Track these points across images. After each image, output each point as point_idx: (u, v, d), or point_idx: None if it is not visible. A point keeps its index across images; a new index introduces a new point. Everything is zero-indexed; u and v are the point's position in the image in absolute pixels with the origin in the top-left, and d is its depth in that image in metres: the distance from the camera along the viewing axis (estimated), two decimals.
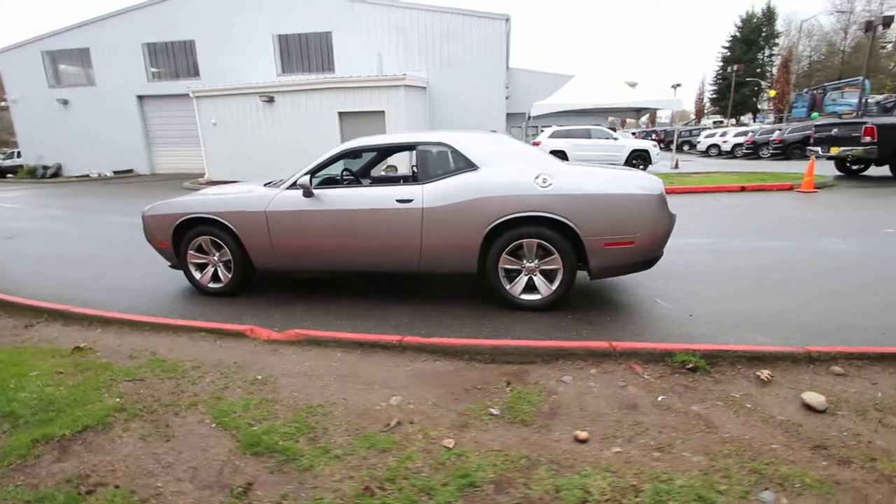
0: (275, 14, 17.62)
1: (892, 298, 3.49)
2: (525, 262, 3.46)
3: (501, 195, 3.31)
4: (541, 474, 1.70)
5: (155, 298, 4.09)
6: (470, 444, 1.90)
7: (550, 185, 3.28)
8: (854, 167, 11.10)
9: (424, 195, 3.45)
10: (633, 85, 18.55)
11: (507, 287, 3.49)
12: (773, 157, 20.57)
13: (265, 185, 4.08)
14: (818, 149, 11.11)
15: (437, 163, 3.68)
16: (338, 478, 1.70)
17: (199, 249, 4.02)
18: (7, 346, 3.04)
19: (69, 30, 19.69)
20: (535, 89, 22.47)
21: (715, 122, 42.20)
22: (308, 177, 3.57)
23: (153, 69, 19.47)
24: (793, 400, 2.20)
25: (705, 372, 2.44)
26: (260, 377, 2.50)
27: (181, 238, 4.00)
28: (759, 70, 48.38)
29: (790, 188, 9.20)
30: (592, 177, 3.37)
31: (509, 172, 3.39)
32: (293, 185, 3.75)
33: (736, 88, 42.56)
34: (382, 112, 14.06)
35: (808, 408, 2.13)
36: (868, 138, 9.63)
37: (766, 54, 50.18)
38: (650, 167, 14.85)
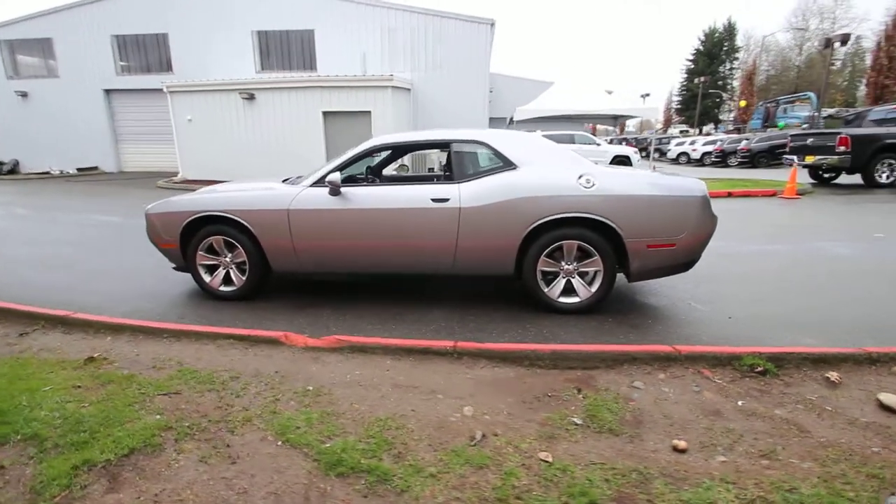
0: (254, 9, 17.06)
1: None
2: (563, 264, 3.37)
3: (544, 195, 3.21)
4: (659, 489, 1.59)
5: (159, 303, 3.77)
6: (567, 458, 1.77)
7: (594, 185, 3.21)
8: (826, 175, 11.64)
9: (461, 195, 3.31)
10: (609, 93, 19.03)
11: (546, 290, 3.39)
12: (741, 165, 21.42)
13: (283, 181, 3.84)
14: (794, 157, 11.60)
15: (473, 161, 3.54)
16: (441, 500, 1.54)
17: (210, 250, 3.74)
18: (4, 357, 2.71)
19: (30, 18, 18.45)
20: (515, 95, 22.72)
21: (681, 132, 43.82)
22: (338, 174, 3.37)
23: (122, 62, 18.44)
24: (867, 401, 2.18)
25: (774, 375, 2.40)
26: (311, 388, 2.29)
27: (190, 238, 3.71)
28: (720, 82, 50.69)
29: (774, 194, 9.53)
30: (635, 178, 3.32)
31: (551, 173, 3.30)
32: (318, 183, 3.54)
33: (701, 99, 44.45)
34: (368, 112, 13.79)
35: (887, 409, 2.11)
36: (842, 148, 10.12)
37: (728, 67, 52.71)
38: None
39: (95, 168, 18.99)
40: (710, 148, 24.46)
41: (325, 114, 13.99)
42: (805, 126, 25.83)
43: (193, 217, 3.63)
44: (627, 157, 16.45)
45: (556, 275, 3.40)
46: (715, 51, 52.04)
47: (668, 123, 55.46)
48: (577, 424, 2.01)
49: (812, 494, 1.55)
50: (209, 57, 17.29)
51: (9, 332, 3.08)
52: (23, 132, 19.04)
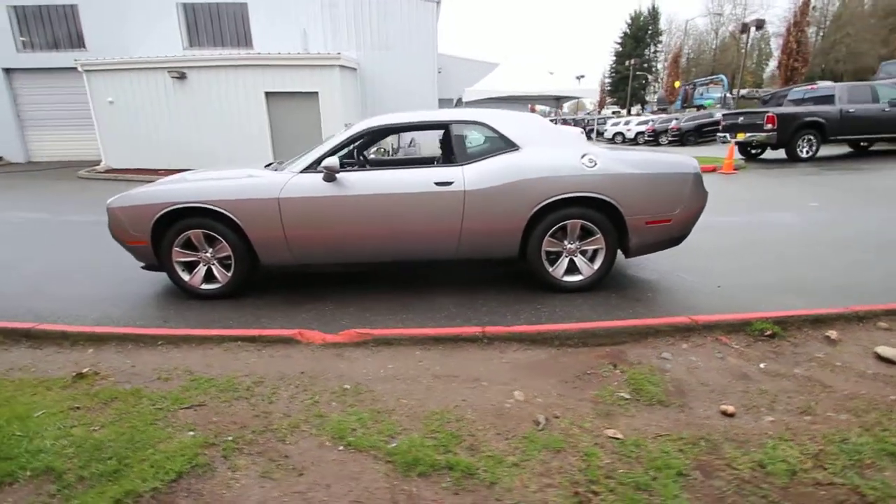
0: None
1: (860, 258, 4.00)
2: (566, 243, 3.41)
3: (550, 176, 3.21)
4: (731, 453, 1.67)
5: (131, 306, 3.40)
6: (632, 433, 1.81)
7: (596, 165, 3.25)
8: (753, 151, 12.67)
9: (465, 177, 3.24)
10: (551, 74, 19.48)
11: (550, 270, 3.42)
12: (671, 143, 22.83)
13: (265, 167, 3.56)
14: (726, 135, 12.52)
15: (473, 143, 3.46)
16: (534, 488, 1.51)
17: (188, 245, 3.40)
18: None
19: None
20: (462, 76, 22.56)
21: (613, 112, 45.90)
22: (335, 158, 3.16)
23: (23, 38, 16.15)
24: (866, 355, 2.41)
25: (782, 337, 2.58)
26: (348, 387, 2.16)
27: (163, 233, 3.35)
28: (645, 65, 53.47)
29: (714, 170, 10.24)
30: (634, 157, 3.40)
31: (555, 153, 3.30)
32: (309, 168, 3.32)
33: (627, 82, 46.73)
34: (316, 93, 13.14)
35: (886, 360, 2.34)
36: (769, 125, 11.05)
37: (652, 50, 55.65)
38: None
39: (0, 158, 16.68)
40: (643, 128, 25.82)
41: (269, 95, 13.17)
42: (718, 106, 28.05)
43: (167, 209, 3.28)
44: None
45: (558, 254, 3.44)
46: (640, 34, 54.68)
47: (601, 104, 57.91)
48: (626, 399, 2.06)
49: (862, 443, 1.69)
50: (127, 31, 15.58)
51: None
52: None
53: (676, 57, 36.12)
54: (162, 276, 3.82)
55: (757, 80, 48.15)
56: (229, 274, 3.44)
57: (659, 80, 53.75)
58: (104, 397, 2.10)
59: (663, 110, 37.84)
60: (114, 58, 13.11)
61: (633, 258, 4.04)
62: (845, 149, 12.79)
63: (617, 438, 1.76)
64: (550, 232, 3.33)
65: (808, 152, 11.17)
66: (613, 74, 56.61)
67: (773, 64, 50.71)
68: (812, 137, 11.07)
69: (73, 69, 13.04)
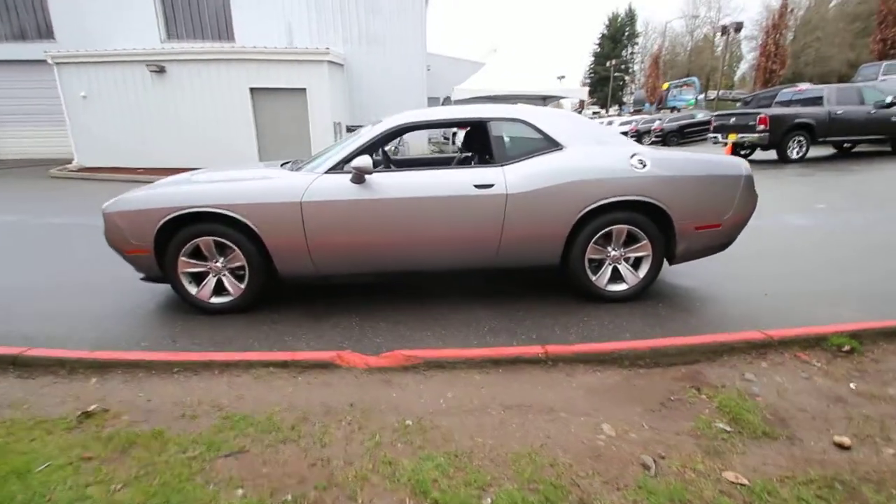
0: None
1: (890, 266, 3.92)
2: (610, 249, 3.19)
3: (598, 178, 2.98)
4: (875, 497, 1.46)
5: (132, 324, 3.03)
6: (753, 475, 1.58)
7: (647, 166, 3.04)
8: (743, 152, 12.79)
9: (507, 179, 2.98)
10: (539, 76, 19.49)
11: (593, 278, 3.20)
12: (654, 143, 23.08)
13: (282, 166, 3.23)
14: (718, 135, 12.61)
15: (514, 142, 3.20)
16: None
17: (196, 254, 3.05)
18: None
19: None
20: (448, 75, 22.32)
21: (595, 113, 46.39)
22: (368, 158, 2.86)
23: None
24: None
25: (860, 353, 2.41)
26: (409, 422, 1.88)
27: (167, 240, 3.00)
28: (623, 66, 54.31)
29: None
30: (685, 158, 3.20)
31: (603, 153, 3.07)
32: (335, 168, 3.01)
33: (606, 82, 47.34)
34: (304, 90, 12.69)
35: None
36: (762, 126, 11.14)
37: (629, 52, 56.58)
38: None
39: None
40: (626, 128, 26.04)
41: (253, 90, 12.65)
42: (691, 108, 28.62)
43: (175, 214, 2.92)
44: None
45: (600, 262, 3.22)
46: (618, 36, 55.58)
47: (582, 105, 58.65)
48: (727, 431, 1.84)
49: None
50: (99, 21, 14.73)
51: None
52: None
53: (657, 58, 36.66)
54: (160, 288, 3.47)
55: (728, 82, 49.36)
56: (242, 286, 3.10)
57: (636, 81, 54.66)
58: (120, 443, 1.76)
59: (639, 111, 38.40)
60: (87, 50, 12.36)
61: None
62: (830, 150, 13.04)
63: (742, 484, 1.53)
64: (596, 238, 3.10)
65: (798, 153, 11.32)
66: (592, 75, 57.31)
67: (744, 66, 52.24)
68: (802, 139, 11.22)
69: (43, 61, 12.24)
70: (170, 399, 2.07)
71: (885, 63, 15.79)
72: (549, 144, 3.10)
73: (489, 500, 1.46)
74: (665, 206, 3.04)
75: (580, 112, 41.19)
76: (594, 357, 2.32)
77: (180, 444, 1.75)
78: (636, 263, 3.25)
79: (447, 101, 20.21)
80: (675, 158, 3.16)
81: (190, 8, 15.21)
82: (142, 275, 3.17)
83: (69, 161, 13.01)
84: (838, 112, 11.22)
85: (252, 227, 2.93)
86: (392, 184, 2.97)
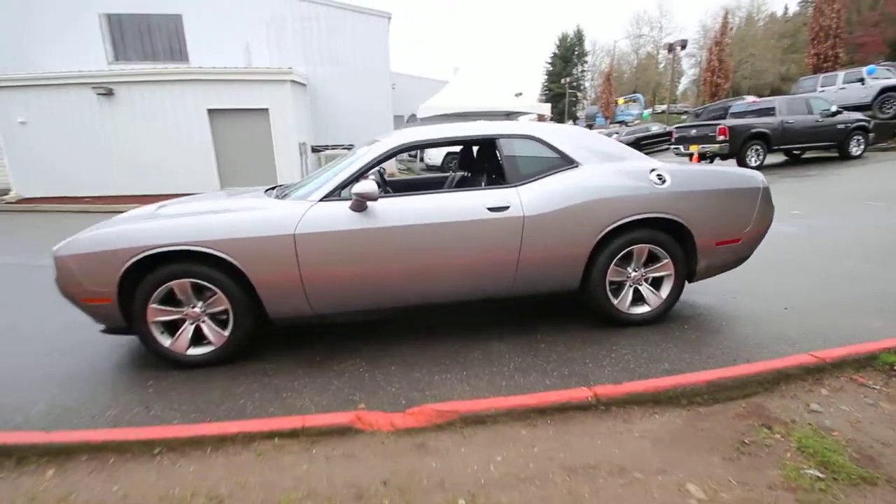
0: None
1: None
2: (630, 270, 3.00)
3: (619, 196, 2.79)
4: None
5: (90, 387, 2.54)
6: None
7: (666, 182, 2.88)
8: (704, 161, 13.25)
9: (522, 200, 2.74)
10: (501, 93, 19.80)
11: (614, 301, 2.98)
12: None
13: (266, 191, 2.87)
14: (680, 147, 13.01)
15: (526, 160, 2.96)
16: None
17: (168, 300, 2.62)
18: None
19: None
20: (411, 93, 22.29)
21: None
22: (372, 183, 2.54)
23: None
24: None
25: None
26: (462, 501, 1.55)
27: (134, 285, 2.55)
28: (574, 84, 56.43)
29: None
30: (703, 172, 3.08)
31: (621, 169, 2.89)
32: (331, 195, 2.67)
33: (560, 98, 49.04)
34: (266, 110, 12.19)
35: None
36: (722, 137, 11.57)
37: (580, 70, 59.00)
38: None
39: None
40: None
41: (212, 112, 12.04)
42: (637, 122, 30.04)
43: (142, 255, 2.49)
44: None
45: (620, 284, 3.02)
46: (568, 55, 57.96)
47: (541, 120, 60.42)
48: (820, 479, 1.61)
49: None
50: (40, 43, 13.70)
51: None
52: None
53: (609, 75, 38.28)
54: (123, 339, 3.00)
55: (672, 97, 52.19)
56: (226, 332, 2.68)
57: (587, 97, 56.84)
58: None
59: (590, 126, 39.97)
60: (26, 72, 11.41)
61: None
62: (782, 157, 13.72)
63: None
64: (617, 259, 2.90)
65: (756, 161, 11.79)
66: (547, 92, 59.22)
67: (685, 81, 55.40)
68: (759, 147, 11.72)
69: None
70: (153, 493, 1.65)
71: (821, 76, 16.90)
72: (564, 162, 2.89)
73: None
74: (687, 223, 2.89)
75: None
76: (649, 398, 2.07)
77: None
78: (655, 283, 3.07)
79: (412, 118, 20.11)
80: (693, 172, 3.03)
81: (140, 29, 14.41)
82: (103, 327, 2.70)
83: (6, 192, 11.88)
84: (790, 121, 11.82)
85: (238, 265, 2.54)
86: (396, 210, 2.66)
